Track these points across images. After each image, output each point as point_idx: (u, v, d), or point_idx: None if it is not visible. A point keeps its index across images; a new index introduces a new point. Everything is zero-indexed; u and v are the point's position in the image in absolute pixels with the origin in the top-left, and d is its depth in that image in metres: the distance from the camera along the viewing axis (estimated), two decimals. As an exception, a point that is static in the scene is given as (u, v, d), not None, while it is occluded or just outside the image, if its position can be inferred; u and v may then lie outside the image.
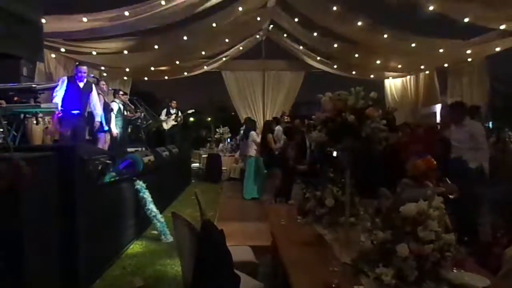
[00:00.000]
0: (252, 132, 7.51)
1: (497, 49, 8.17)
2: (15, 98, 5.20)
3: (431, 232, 1.66)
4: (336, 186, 2.51)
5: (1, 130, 4.03)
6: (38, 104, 4.19)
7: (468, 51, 8.62)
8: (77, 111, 5.43)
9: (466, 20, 6.71)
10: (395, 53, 9.76)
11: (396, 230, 1.73)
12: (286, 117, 7.78)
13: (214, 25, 8.33)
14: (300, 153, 5.38)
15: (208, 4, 7.32)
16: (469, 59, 9.02)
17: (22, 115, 4.87)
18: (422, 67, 10.79)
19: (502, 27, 6.97)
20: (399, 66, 10.96)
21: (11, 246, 2.46)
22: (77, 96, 5.48)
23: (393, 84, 12.32)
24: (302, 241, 2.39)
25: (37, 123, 5.09)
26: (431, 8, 6.56)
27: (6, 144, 3.65)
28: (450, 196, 2.96)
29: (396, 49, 9.32)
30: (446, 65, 9.90)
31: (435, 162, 2.70)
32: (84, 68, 5.68)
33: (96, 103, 5.85)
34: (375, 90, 2.30)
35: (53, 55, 8.28)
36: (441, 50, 8.68)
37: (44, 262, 2.79)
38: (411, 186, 2.75)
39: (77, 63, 7.04)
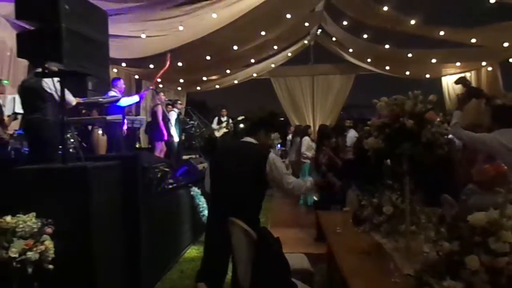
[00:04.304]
0: (306, 137, 7.46)
1: None
2: (83, 111, 5.67)
3: (505, 243, 1.55)
4: (394, 193, 2.42)
5: (72, 140, 4.41)
6: (104, 117, 4.53)
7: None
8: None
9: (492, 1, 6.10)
10: (453, 50, 9.21)
11: (464, 241, 1.64)
12: (348, 121, 7.53)
13: (263, 33, 8.44)
14: (334, 159, 5.17)
15: (256, 13, 7.44)
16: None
17: (90, 127, 5.30)
18: (484, 63, 10.06)
19: None
20: (458, 63, 10.32)
21: (82, 247, 2.68)
22: None
23: (451, 82, 11.62)
24: (360, 250, 2.33)
25: (103, 134, 5.48)
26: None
27: (78, 155, 3.99)
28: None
29: (454, 46, 8.80)
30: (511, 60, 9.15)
31: (505, 167, 2.51)
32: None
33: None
34: (432, 89, 2.21)
35: (114, 70, 8.89)
36: (505, 44, 8.04)
37: (110, 266, 2.99)
38: (478, 193, 2.58)
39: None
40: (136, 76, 10.21)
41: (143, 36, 7.10)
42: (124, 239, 3.23)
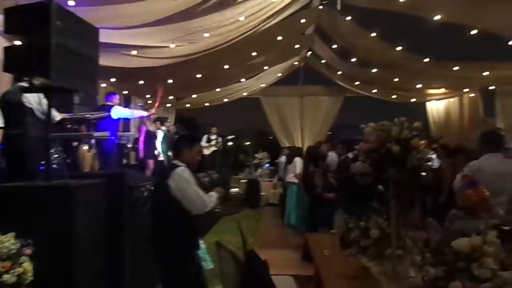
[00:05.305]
0: (297, 158, 7.42)
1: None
2: (68, 126, 5.59)
3: (487, 269, 1.57)
4: (380, 217, 2.44)
5: (56, 156, 4.33)
6: (91, 134, 4.48)
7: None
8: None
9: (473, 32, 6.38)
10: (437, 77, 9.53)
11: (448, 267, 1.66)
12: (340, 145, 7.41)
13: (254, 54, 8.57)
14: (327, 180, 5.19)
15: (247, 34, 7.58)
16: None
17: (75, 143, 5.22)
18: (466, 90, 10.44)
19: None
20: (441, 90, 10.68)
21: (63, 269, 2.60)
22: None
23: (435, 107, 11.93)
24: (347, 274, 2.33)
25: (88, 150, 5.40)
26: (437, 17, 6.27)
27: (62, 172, 3.92)
28: (504, 228, 2.78)
29: (438, 74, 9.12)
30: (492, 87, 9.51)
31: (487, 193, 2.56)
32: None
33: None
34: (417, 113, 2.27)
35: (103, 85, 8.83)
36: (485, 73, 8.38)
37: (93, 286, 2.90)
38: (462, 218, 2.62)
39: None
40: (125, 92, 10.16)
41: (134, 52, 7.11)
42: (107, 260, 3.15)
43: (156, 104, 6.60)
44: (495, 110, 9.53)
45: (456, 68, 8.31)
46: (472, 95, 10.51)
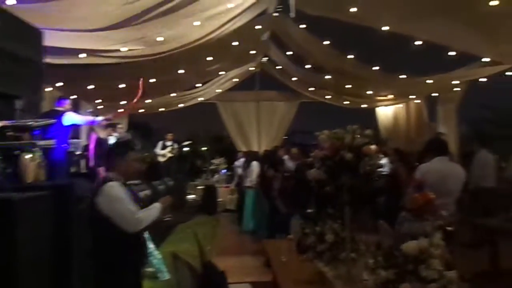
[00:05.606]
0: (254, 162, 7.42)
1: (482, 79, 8.50)
2: (9, 134, 5.19)
3: (434, 270, 1.66)
4: (335, 222, 2.51)
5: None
6: (33, 142, 4.18)
7: (454, 82, 8.96)
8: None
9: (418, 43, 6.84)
10: (385, 85, 10.07)
11: (399, 269, 1.73)
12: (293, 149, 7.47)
13: (209, 59, 8.51)
14: (285, 185, 5.25)
15: (203, 39, 7.52)
16: (455, 89, 9.35)
17: (17, 152, 4.85)
18: (412, 96, 11.12)
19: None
20: (390, 96, 11.29)
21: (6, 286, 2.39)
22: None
23: (384, 113, 12.57)
24: (304, 279, 2.36)
25: (32, 160, 5.04)
26: (385, 28, 6.61)
27: (2, 184, 3.61)
28: (448, 228, 2.96)
29: (386, 82, 9.65)
30: (435, 94, 10.22)
31: (433, 196, 2.73)
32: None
33: None
34: (367, 117, 2.37)
35: (48, 89, 8.32)
36: (429, 81, 8.99)
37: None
38: (409, 220, 2.76)
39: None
40: (74, 97, 9.64)
41: (83, 55, 6.78)
42: (52, 278, 2.94)
43: (135, 100, 6.17)
44: (437, 116, 10.25)
45: (402, 76, 8.82)
46: (418, 101, 11.23)
